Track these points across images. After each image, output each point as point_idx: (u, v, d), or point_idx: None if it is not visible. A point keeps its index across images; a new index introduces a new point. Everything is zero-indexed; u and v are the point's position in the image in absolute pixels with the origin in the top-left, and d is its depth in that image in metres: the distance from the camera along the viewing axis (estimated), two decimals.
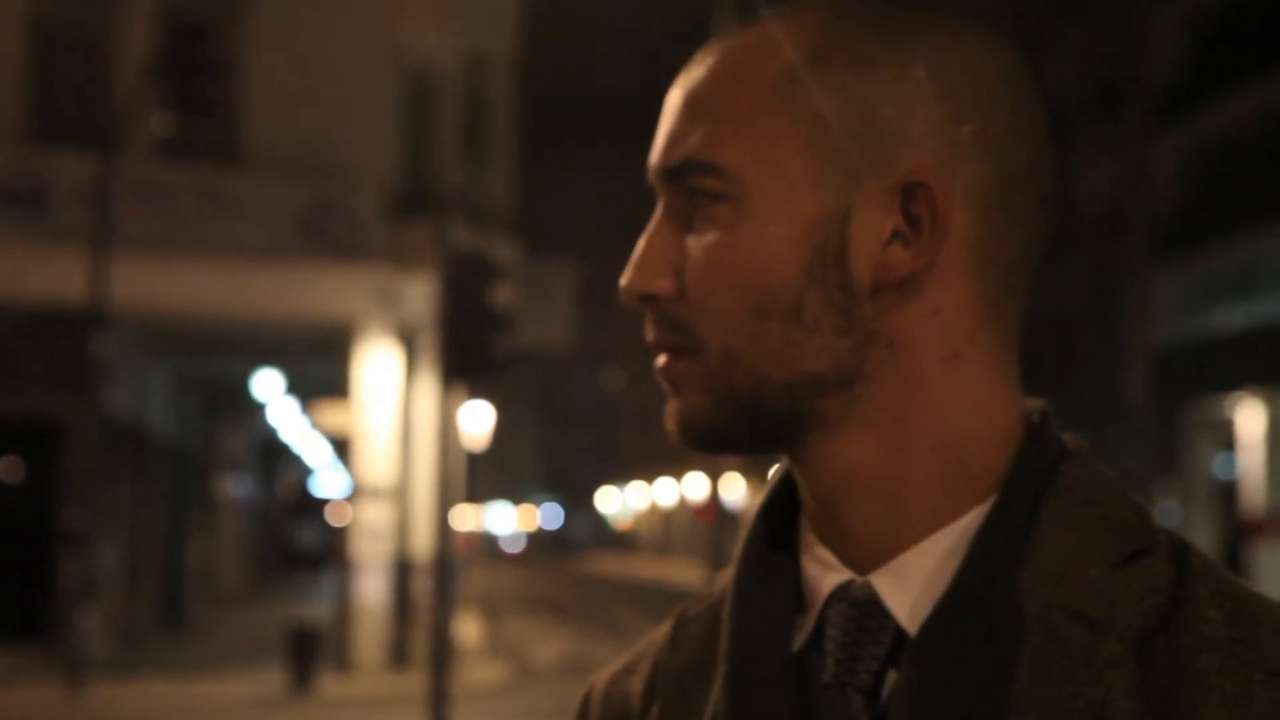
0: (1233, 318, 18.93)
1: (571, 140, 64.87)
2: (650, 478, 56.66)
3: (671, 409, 0.81)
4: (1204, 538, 18.17)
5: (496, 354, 10.42)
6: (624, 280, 0.82)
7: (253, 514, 31.07)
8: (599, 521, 73.76)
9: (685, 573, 37.08)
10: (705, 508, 33.33)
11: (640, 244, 0.81)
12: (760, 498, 0.86)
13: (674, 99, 0.82)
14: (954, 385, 0.78)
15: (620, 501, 67.65)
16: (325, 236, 15.07)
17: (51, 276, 13.85)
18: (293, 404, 21.82)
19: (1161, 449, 20.70)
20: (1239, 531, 18.88)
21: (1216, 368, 18.97)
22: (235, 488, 26.99)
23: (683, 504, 50.62)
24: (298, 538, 41.47)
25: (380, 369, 15.90)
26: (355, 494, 16.37)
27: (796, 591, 0.82)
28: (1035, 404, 0.81)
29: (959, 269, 0.78)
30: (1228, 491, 19.67)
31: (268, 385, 19.63)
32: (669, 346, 0.81)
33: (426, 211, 15.20)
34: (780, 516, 0.84)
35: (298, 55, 15.39)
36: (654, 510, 59.44)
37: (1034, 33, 22.42)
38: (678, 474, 49.98)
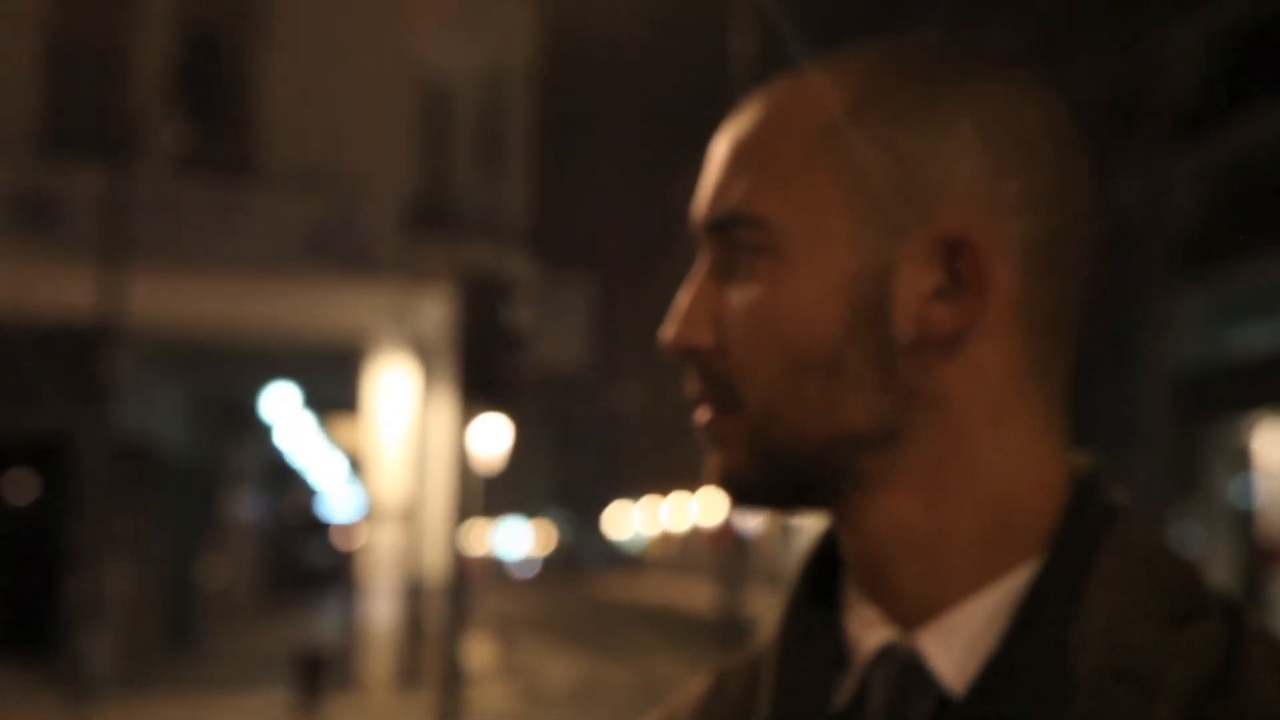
0: (1253, 339, 18.78)
1: (589, 153, 64.96)
2: (663, 491, 56.48)
3: (712, 464, 0.81)
4: (1221, 564, 17.98)
5: (514, 374, 10.35)
6: (665, 333, 0.81)
7: (262, 532, 31.03)
8: (609, 545, 73.74)
9: (698, 596, 36.95)
10: (719, 534, 33.16)
11: (682, 296, 0.81)
12: (802, 554, 0.86)
13: (718, 151, 0.82)
14: (998, 442, 0.78)
15: (632, 528, 67.53)
16: (338, 251, 14.99)
17: (61, 290, 13.76)
18: (304, 420, 21.75)
19: (1178, 472, 20.55)
20: (1257, 558, 18.69)
21: (1236, 390, 18.82)
22: (244, 506, 26.94)
23: (695, 530, 50.46)
24: (307, 557, 41.43)
25: (393, 385, 15.81)
26: (366, 512, 16.27)
27: (838, 650, 0.81)
28: (1082, 459, 0.81)
29: (1003, 325, 0.77)
30: (1245, 517, 19.49)
31: (278, 401, 19.53)
32: (710, 401, 0.80)
33: (441, 226, 15.14)
34: (822, 573, 0.85)
35: (313, 69, 15.32)
36: (666, 538, 59.31)
37: (1053, 47, 22.35)
38: (691, 489, 49.83)
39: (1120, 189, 21.75)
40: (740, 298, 0.79)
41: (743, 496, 0.81)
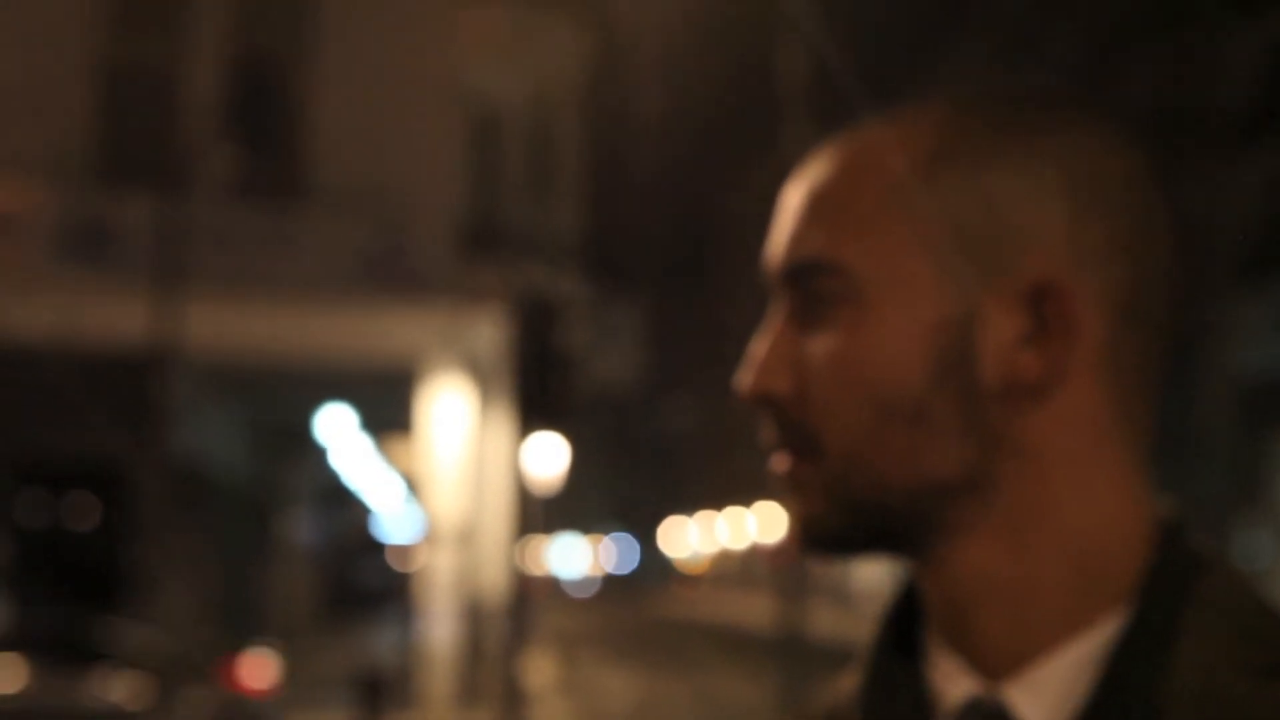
0: None
1: (639, 170, 65.08)
2: (720, 506, 56.33)
3: (792, 513, 0.81)
4: None
5: (568, 393, 10.36)
6: (743, 381, 0.81)
7: (319, 554, 31.18)
8: (666, 562, 73.64)
9: (758, 613, 36.85)
10: (779, 550, 33.00)
11: (759, 344, 0.81)
12: (884, 603, 0.85)
13: (793, 199, 0.81)
14: (1085, 490, 0.77)
15: (689, 545, 67.39)
16: (392, 273, 15.03)
17: (117, 317, 13.83)
18: (360, 442, 21.83)
19: (1241, 481, 20.33)
20: None
21: None
22: (301, 528, 27.08)
23: (754, 547, 50.19)
24: (365, 578, 41.61)
25: (448, 406, 15.84)
26: (424, 533, 16.28)
27: (921, 701, 0.80)
28: (1168, 507, 0.80)
29: (1088, 372, 0.77)
30: None
31: (334, 423, 19.61)
32: (789, 448, 0.80)
33: (493, 247, 15.17)
34: (903, 622, 0.84)
35: (364, 94, 15.39)
36: (725, 554, 59.12)
37: (1115, 53, 22.19)
38: (747, 504, 49.65)
39: (1182, 196, 21.53)
40: (821, 346, 0.78)
41: (824, 544, 0.80)
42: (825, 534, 0.80)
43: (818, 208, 0.79)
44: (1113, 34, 22.72)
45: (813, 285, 0.79)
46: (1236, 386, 20.41)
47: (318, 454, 24.36)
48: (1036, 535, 0.77)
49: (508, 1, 17.07)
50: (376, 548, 39.55)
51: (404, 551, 24.48)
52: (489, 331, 14.55)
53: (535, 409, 10.37)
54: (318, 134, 15.55)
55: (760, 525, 46.26)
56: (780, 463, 0.81)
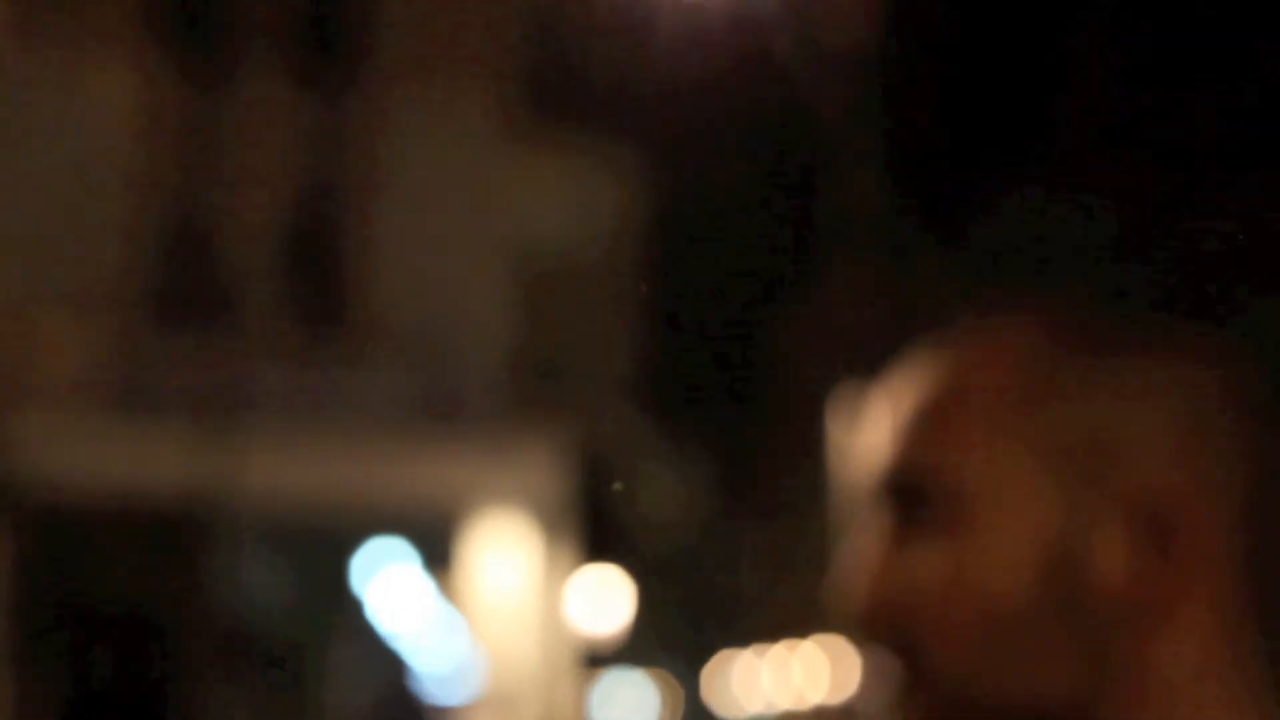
0: None
1: (692, 303, 65.39)
2: (775, 638, 55.31)
3: None
4: None
5: (623, 529, 10.27)
6: (843, 599, 0.80)
7: (367, 700, 30.88)
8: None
9: None
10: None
11: (857, 558, 0.80)
12: None
13: (891, 410, 0.81)
14: (1202, 705, 0.76)
15: (759, 690, 66.23)
16: (441, 411, 15.09)
17: (159, 465, 13.78)
18: (409, 581, 21.71)
19: None
20: None
21: None
22: (348, 673, 26.85)
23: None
24: None
25: (501, 543, 15.75)
26: (477, 673, 16.13)
27: None
28: None
29: (1204, 587, 0.76)
30: None
31: (381, 563, 19.51)
32: (896, 668, 0.79)
33: (545, 385, 15.21)
34: None
35: (414, 233, 15.53)
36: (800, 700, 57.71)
37: (1190, 76, 21.91)
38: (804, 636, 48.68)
39: None
40: (927, 563, 0.77)
41: None
42: None
43: (923, 423, 0.79)
44: (1184, 55, 22.35)
45: (919, 501, 0.78)
46: None
47: (366, 594, 24.23)
48: None
49: (565, 149, 17.29)
50: (427, 688, 39.23)
51: (457, 685, 24.29)
52: (541, 468, 14.52)
53: (589, 543, 10.32)
54: (366, 273, 15.67)
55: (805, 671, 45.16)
56: (887, 682, 0.79)
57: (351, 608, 25.29)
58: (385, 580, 20.35)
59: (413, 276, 15.38)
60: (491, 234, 15.99)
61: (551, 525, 15.08)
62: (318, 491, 15.14)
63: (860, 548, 0.80)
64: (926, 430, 0.78)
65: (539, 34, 17.06)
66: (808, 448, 14.32)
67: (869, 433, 0.81)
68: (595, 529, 9.99)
